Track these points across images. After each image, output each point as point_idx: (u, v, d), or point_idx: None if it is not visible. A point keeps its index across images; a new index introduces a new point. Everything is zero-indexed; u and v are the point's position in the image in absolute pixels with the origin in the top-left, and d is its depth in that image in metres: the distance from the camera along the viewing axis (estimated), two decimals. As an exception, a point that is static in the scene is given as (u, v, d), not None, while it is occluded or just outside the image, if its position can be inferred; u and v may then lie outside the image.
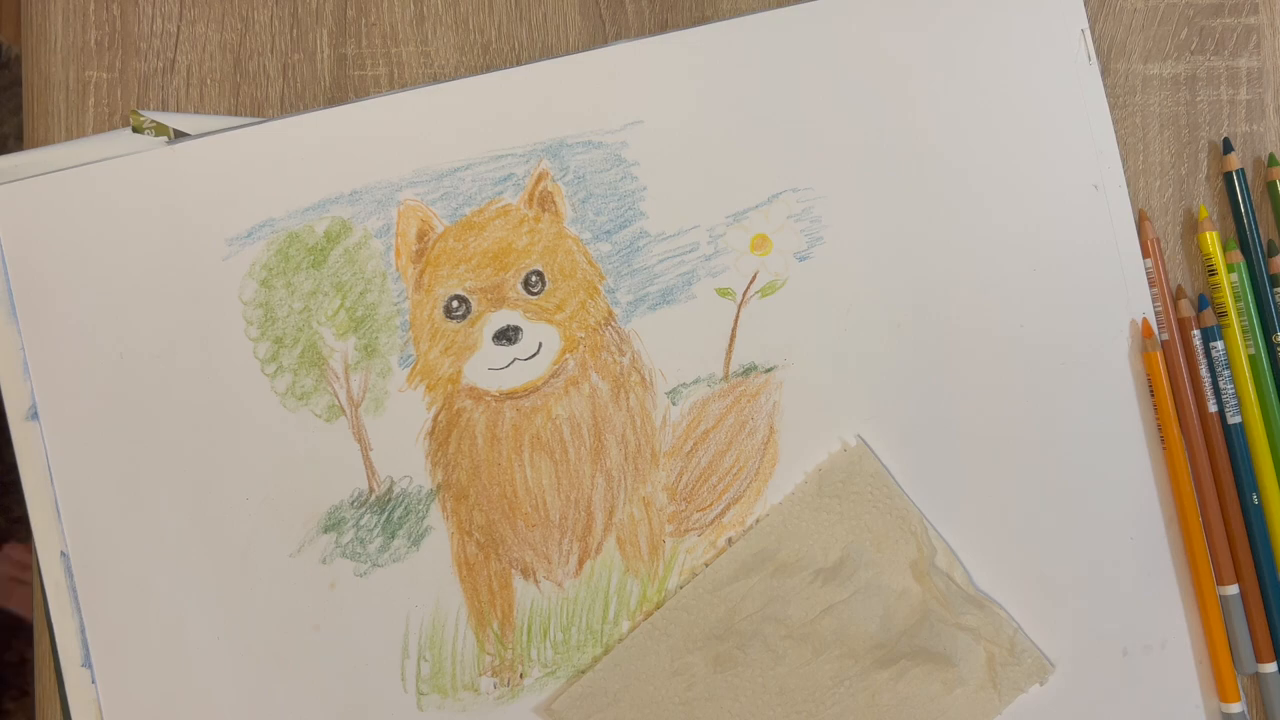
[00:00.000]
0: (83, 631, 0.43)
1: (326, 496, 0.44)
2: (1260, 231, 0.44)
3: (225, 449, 0.44)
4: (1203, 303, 0.44)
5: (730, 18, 0.45)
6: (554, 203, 0.44)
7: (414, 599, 0.44)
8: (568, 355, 0.44)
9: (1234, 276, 0.44)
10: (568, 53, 0.45)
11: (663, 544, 0.44)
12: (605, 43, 0.45)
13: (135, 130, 0.45)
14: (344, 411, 0.44)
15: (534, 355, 0.44)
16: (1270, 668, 0.43)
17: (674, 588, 0.44)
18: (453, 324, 0.44)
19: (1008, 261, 0.44)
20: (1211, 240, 0.44)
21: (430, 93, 0.44)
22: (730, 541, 0.44)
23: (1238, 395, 0.44)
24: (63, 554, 0.44)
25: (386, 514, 0.44)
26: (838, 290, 0.44)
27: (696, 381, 0.44)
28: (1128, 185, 0.45)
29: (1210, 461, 0.44)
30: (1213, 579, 0.43)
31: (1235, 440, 0.44)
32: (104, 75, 0.46)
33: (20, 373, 0.44)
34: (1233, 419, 0.44)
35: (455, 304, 0.44)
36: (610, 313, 0.44)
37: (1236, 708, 0.43)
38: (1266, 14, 0.46)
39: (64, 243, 0.44)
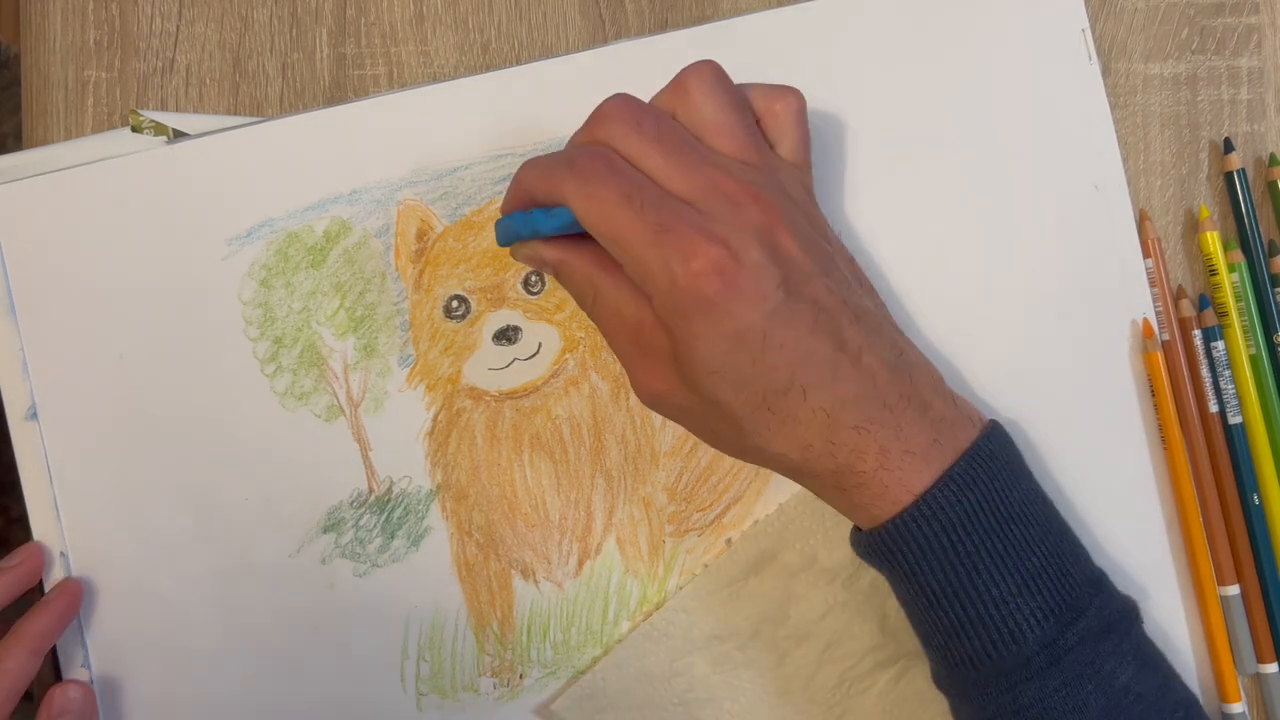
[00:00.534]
0: (83, 632, 0.43)
1: (326, 497, 0.44)
2: (1261, 231, 0.44)
3: (225, 449, 0.44)
4: (1203, 303, 0.44)
5: (730, 18, 0.45)
6: (554, 202, 0.44)
7: (413, 599, 0.44)
8: (568, 355, 0.44)
9: (1235, 276, 0.44)
10: (568, 53, 0.45)
11: (663, 544, 0.44)
12: (605, 43, 0.45)
13: (134, 130, 0.45)
14: (343, 411, 0.44)
15: (534, 355, 0.44)
16: (1271, 668, 0.43)
17: (674, 588, 0.44)
18: (452, 324, 0.44)
19: (1007, 261, 0.44)
20: (1212, 240, 0.44)
21: (430, 92, 0.44)
22: (730, 542, 0.44)
23: (1239, 395, 0.44)
24: (63, 554, 0.44)
25: (386, 514, 0.44)
26: (838, 290, 0.44)
27: (696, 381, 0.44)
28: (1128, 185, 0.45)
29: (1211, 462, 0.43)
30: (1213, 579, 0.43)
31: (1236, 440, 0.43)
32: (103, 75, 0.46)
33: (20, 373, 0.44)
34: (1233, 419, 0.44)
35: (455, 304, 0.44)
36: (610, 313, 0.44)
37: (1237, 708, 0.43)
38: (1267, 14, 0.46)
39: (64, 243, 0.44)
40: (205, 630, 0.44)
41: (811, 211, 0.38)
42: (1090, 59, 0.45)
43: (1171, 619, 0.44)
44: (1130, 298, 0.44)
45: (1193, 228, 0.45)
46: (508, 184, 0.39)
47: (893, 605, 0.41)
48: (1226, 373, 0.44)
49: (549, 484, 0.44)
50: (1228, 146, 0.45)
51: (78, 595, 0.43)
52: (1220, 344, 0.44)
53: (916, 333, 0.44)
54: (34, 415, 0.44)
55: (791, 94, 0.39)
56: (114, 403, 0.44)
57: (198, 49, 0.46)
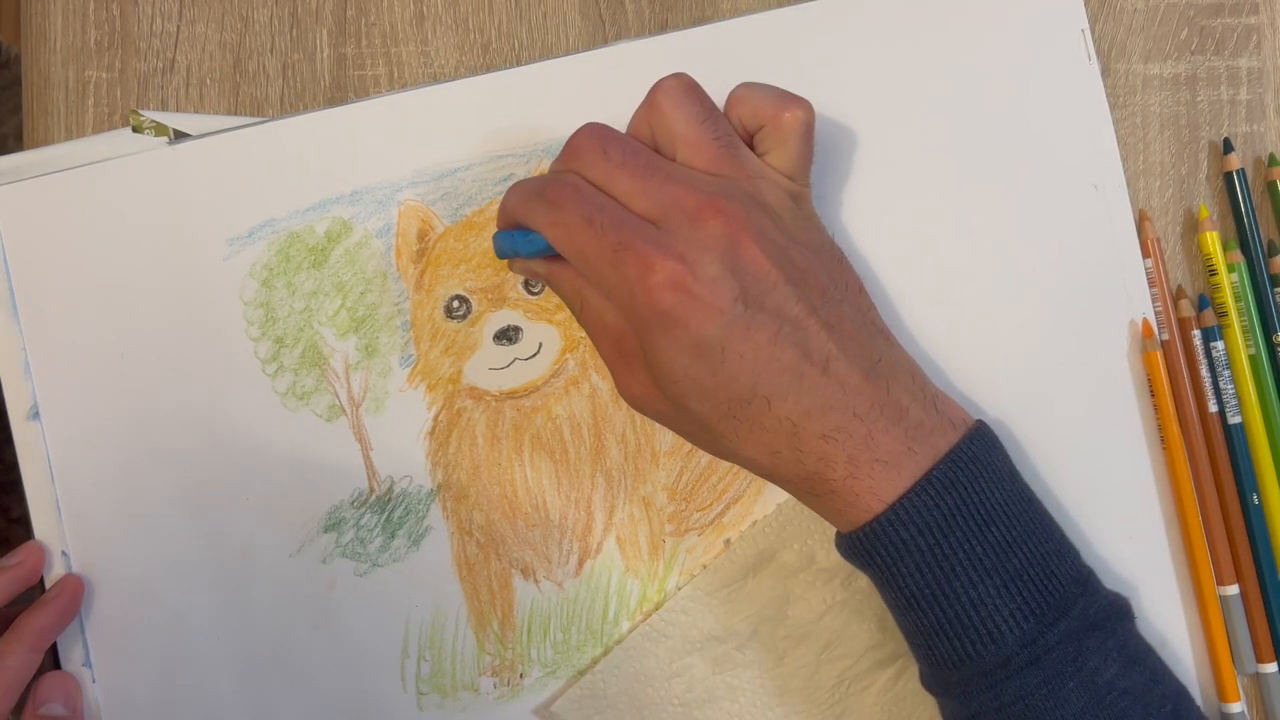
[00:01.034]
0: (83, 631, 0.43)
1: (327, 496, 0.44)
2: (1260, 231, 0.44)
3: (225, 449, 0.44)
4: (1203, 303, 0.44)
5: (730, 18, 0.45)
6: (554, 203, 0.44)
7: (414, 599, 0.44)
8: (568, 355, 0.44)
9: (1234, 276, 0.44)
10: (568, 53, 0.45)
11: (663, 544, 0.44)
12: (605, 43, 0.45)
13: (135, 130, 0.45)
14: (344, 411, 0.44)
15: (534, 355, 0.44)
16: (1270, 668, 0.43)
17: (674, 588, 0.44)
18: (453, 324, 0.44)
19: (1007, 261, 0.44)
20: (1212, 240, 0.44)
21: (430, 93, 0.45)
22: (730, 542, 0.44)
23: (1238, 395, 0.44)
24: (63, 554, 0.44)
25: (387, 514, 0.44)
26: (838, 290, 0.44)
27: (696, 381, 0.44)
28: (1128, 185, 0.45)
29: (1210, 461, 0.44)
30: (1213, 579, 0.43)
31: (1235, 440, 0.44)
32: (103, 75, 0.46)
33: (21, 372, 0.44)
34: (1233, 419, 0.44)
35: (456, 304, 0.44)
36: (610, 313, 0.44)
37: (1237, 708, 0.43)
38: (1267, 14, 0.46)
39: (64, 243, 0.44)
40: (205, 629, 0.44)
41: (791, 221, 0.37)
42: (1090, 59, 0.45)
43: (1171, 619, 0.44)
44: (1130, 298, 0.44)
45: (1192, 228, 0.45)
46: (508, 184, 0.40)
47: (892, 605, 0.41)
48: (1226, 373, 0.44)
49: (549, 483, 0.44)
50: (1227, 147, 0.45)
51: (79, 592, 0.43)
52: (1220, 344, 0.44)
53: (915, 333, 0.44)
54: (36, 415, 0.44)
55: (800, 106, 0.38)
56: (116, 402, 0.44)
57: (198, 49, 0.46)
